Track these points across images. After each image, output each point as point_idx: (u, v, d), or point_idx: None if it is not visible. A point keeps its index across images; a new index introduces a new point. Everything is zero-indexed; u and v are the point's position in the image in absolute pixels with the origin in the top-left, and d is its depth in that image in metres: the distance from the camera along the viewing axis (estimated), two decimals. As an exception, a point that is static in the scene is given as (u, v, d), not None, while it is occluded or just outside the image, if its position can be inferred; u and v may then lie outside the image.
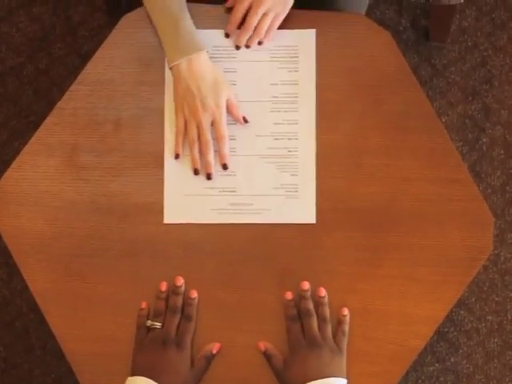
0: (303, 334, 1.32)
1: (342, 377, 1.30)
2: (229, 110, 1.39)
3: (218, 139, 1.39)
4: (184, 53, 1.37)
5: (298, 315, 1.34)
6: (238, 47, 1.42)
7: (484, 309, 2.01)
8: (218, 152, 1.39)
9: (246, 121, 1.40)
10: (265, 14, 1.39)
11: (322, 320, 1.33)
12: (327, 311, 1.34)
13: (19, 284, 2.05)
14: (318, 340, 1.31)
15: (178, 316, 1.34)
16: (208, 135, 1.38)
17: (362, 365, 1.33)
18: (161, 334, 1.33)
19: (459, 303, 2.00)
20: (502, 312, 2.01)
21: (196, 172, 1.39)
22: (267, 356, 1.34)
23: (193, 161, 1.39)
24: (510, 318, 2.01)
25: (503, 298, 2.01)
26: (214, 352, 1.34)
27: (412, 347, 1.34)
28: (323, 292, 1.34)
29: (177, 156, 1.40)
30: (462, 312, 2.01)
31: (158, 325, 1.33)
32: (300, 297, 1.35)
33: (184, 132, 1.39)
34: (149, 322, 1.34)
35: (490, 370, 2.00)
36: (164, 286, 1.35)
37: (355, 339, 1.34)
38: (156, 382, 1.27)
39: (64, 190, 1.39)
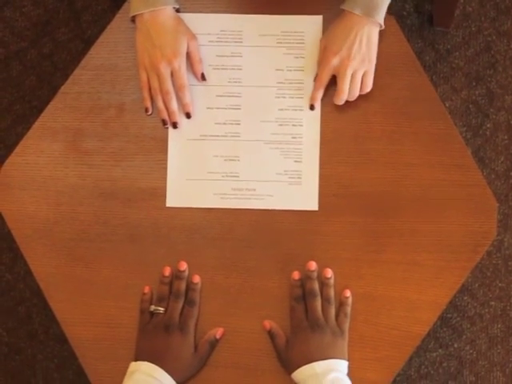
0: (306, 314, 1.33)
1: (343, 359, 1.30)
2: (190, 64, 1.39)
3: (177, 89, 1.38)
4: (150, 4, 1.35)
5: (302, 296, 1.34)
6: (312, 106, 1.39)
7: (487, 294, 2.01)
8: (180, 101, 1.38)
9: (203, 78, 1.39)
10: (353, 75, 1.35)
11: (326, 301, 1.33)
12: (332, 293, 1.34)
13: (22, 269, 2.05)
14: (321, 322, 1.31)
15: (182, 301, 1.34)
16: (168, 85, 1.37)
17: (364, 350, 1.33)
18: (164, 318, 1.33)
19: (462, 289, 2.00)
20: (505, 298, 2.01)
21: (164, 123, 1.39)
22: (271, 335, 1.34)
23: (158, 112, 1.39)
24: (513, 303, 2.01)
25: (507, 284, 2.01)
26: (218, 337, 1.34)
27: (415, 333, 1.34)
28: (329, 273, 1.34)
29: (146, 110, 1.39)
30: (465, 298, 2.01)
31: (161, 310, 1.33)
32: (306, 277, 1.34)
33: (149, 84, 1.39)
34: (152, 307, 1.34)
35: (494, 355, 2.00)
36: (167, 271, 1.36)
37: (358, 325, 1.34)
38: (159, 366, 1.28)
39: (67, 175, 1.39)
